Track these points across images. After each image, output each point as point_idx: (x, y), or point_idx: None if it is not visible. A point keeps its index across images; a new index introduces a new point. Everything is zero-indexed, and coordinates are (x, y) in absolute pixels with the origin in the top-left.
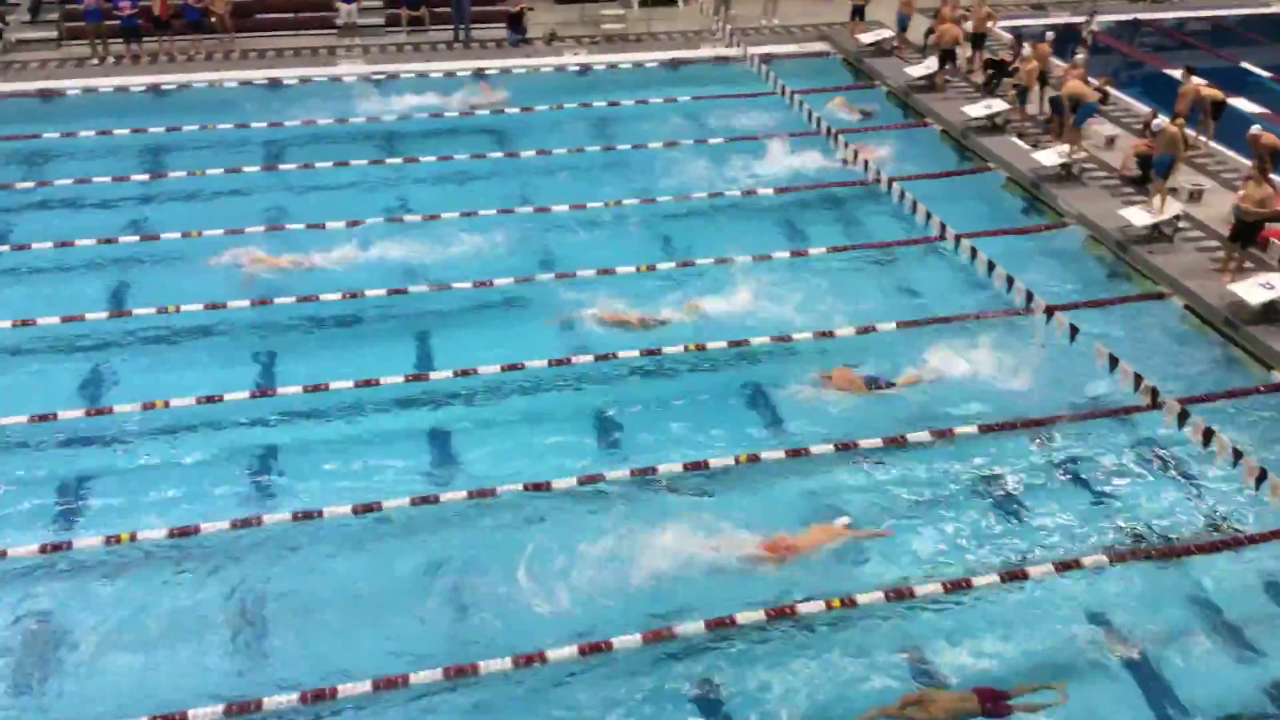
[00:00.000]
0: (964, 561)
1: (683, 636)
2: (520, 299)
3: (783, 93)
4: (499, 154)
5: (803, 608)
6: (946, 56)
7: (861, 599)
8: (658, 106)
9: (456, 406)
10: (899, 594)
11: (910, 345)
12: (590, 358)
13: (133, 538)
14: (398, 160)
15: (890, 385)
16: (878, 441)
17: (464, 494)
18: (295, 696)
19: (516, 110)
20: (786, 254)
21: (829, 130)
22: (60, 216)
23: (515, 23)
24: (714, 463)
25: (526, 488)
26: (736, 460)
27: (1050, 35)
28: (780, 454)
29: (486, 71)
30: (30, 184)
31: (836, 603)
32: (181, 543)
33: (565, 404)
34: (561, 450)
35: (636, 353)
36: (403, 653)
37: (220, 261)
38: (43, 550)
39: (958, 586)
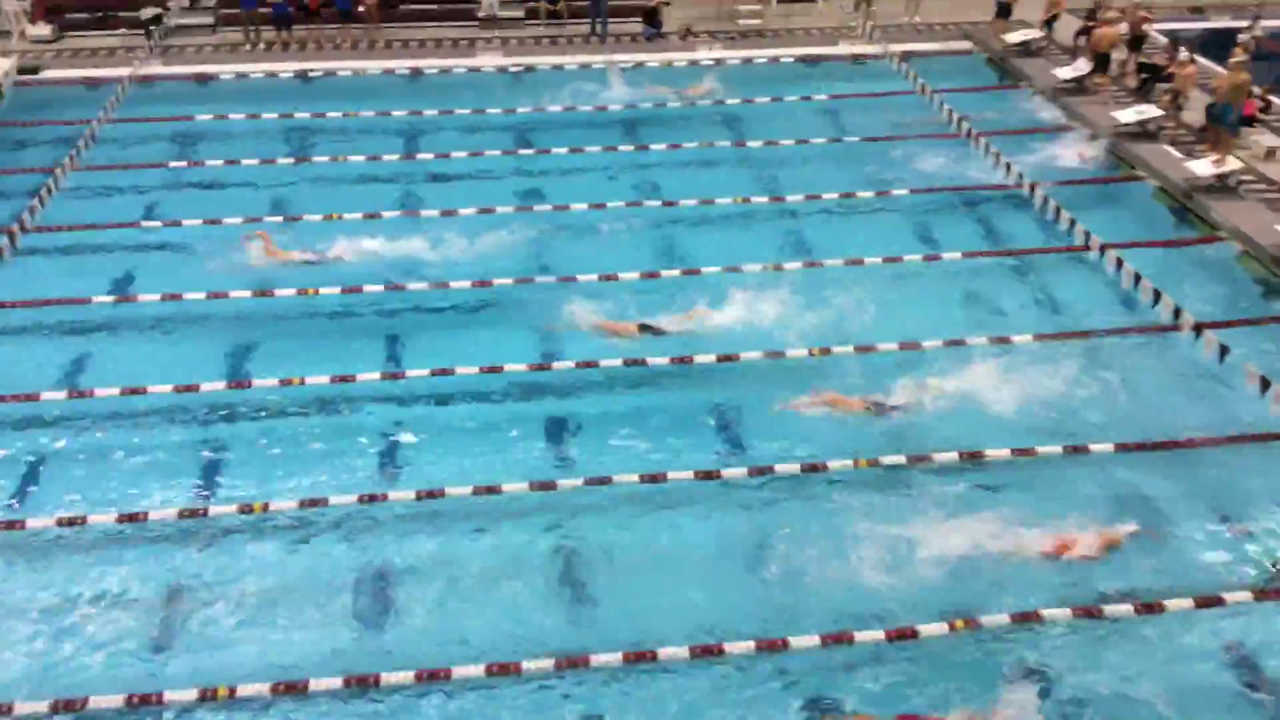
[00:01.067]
0: None
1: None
2: (648, 290)
3: (923, 91)
4: (630, 148)
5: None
6: (1104, 60)
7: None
8: (792, 104)
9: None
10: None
11: (1047, 358)
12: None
13: (265, 508)
14: (530, 151)
15: (893, 408)
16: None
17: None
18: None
19: (650, 105)
20: (919, 257)
21: (970, 131)
22: (209, 195)
23: (651, 17)
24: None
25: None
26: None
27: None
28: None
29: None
30: (183, 163)
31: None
32: (309, 514)
33: None
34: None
35: (759, 354)
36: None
37: (356, 247)
38: (180, 515)
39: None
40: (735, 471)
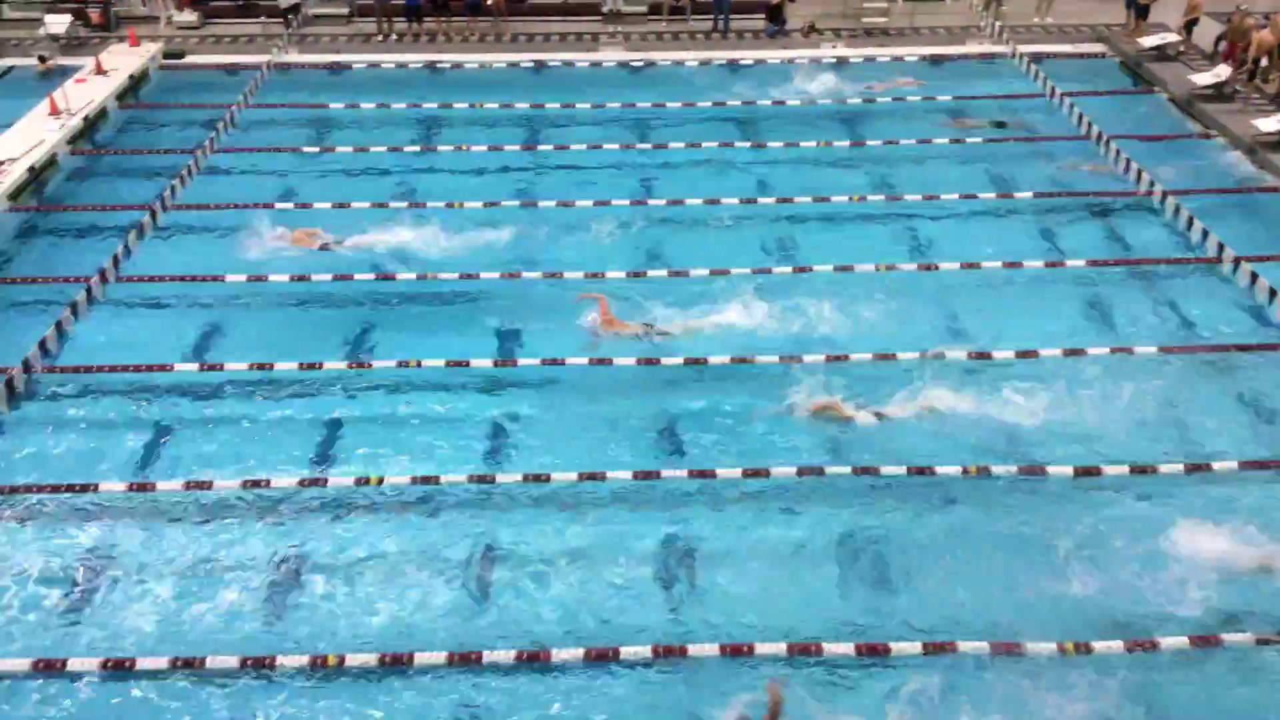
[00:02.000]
0: None
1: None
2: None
3: (1052, 94)
4: (747, 144)
5: None
6: (1254, 66)
7: None
8: (914, 103)
9: None
10: None
11: (1169, 371)
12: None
13: (380, 481)
14: (647, 145)
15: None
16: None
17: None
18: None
19: (768, 102)
20: (1040, 263)
21: (1100, 135)
22: (340, 181)
23: (775, 14)
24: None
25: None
26: None
27: None
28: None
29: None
30: (315, 149)
31: None
32: (427, 489)
33: None
34: None
35: (869, 355)
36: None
37: (477, 235)
38: (300, 484)
39: None
40: (840, 472)
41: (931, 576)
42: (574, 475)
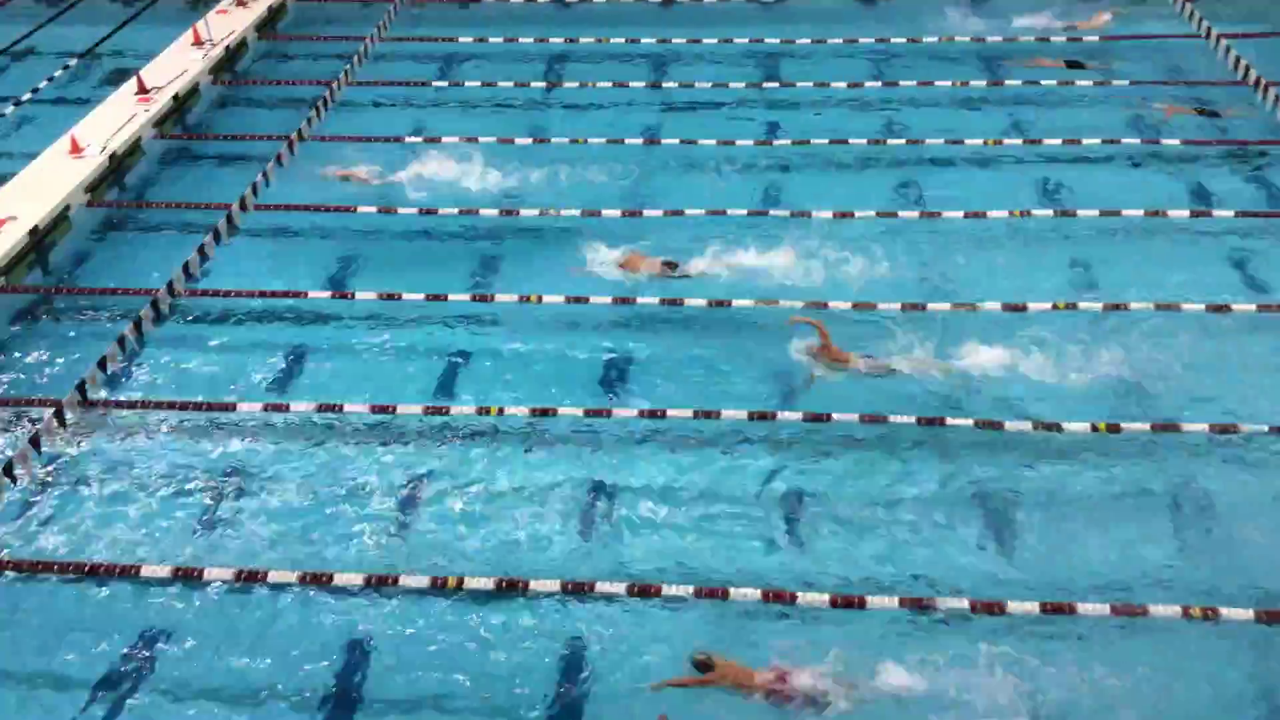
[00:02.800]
0: None
1: None
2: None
3: (1207, 35)
4: (878, 84)
5: None
6: None
7: None
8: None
9: None
10: None
11: None
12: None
13: (500, 411)
14: (774, 84)
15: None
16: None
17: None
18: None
19: (902, 39)
20: (1186, 213)
21: (1259, 82)
22: (466, 115)
23: None
24: None
25: None
26: None
27: None
28: None
29: None
30: (444, 83)
31: None
32: (537, 421)
33: None
34: None
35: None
36: None
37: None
38: (425, 411)
39: None
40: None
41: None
42: (689, 412)
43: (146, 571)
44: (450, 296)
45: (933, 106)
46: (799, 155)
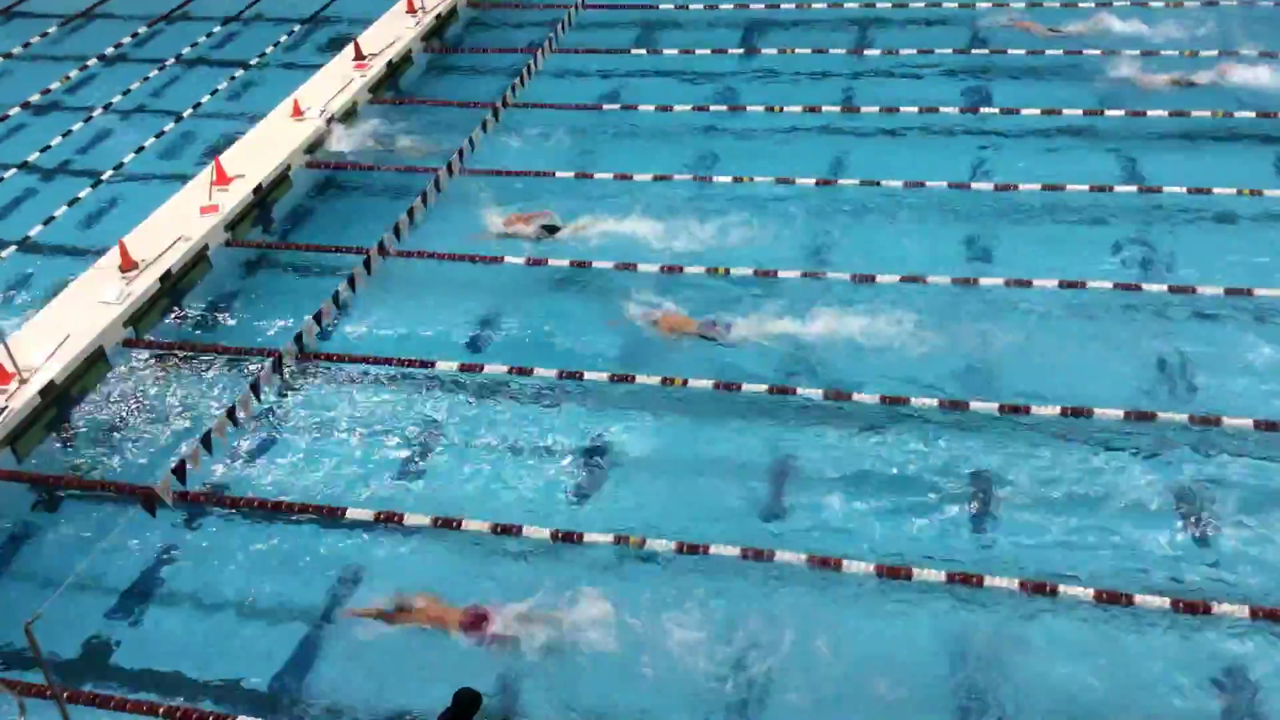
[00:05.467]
0: None
1: None
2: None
3: None
4: (1096, 51)
5: None
6: None
7: None
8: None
9: None
10: None
11: None
12: None
13: (685, 383)
14: (983, 50)
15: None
16: None
17: None
18: None
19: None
20: None
21: None
22: (663, 82)
23: None
24: None
25: None
26: None
27: None
28: None
29: None
30: (643, 50)
31: None
32: (728, 394)
33: None
34: None
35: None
36: None
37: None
38: (610, 379)
39: None
40: None
41: None
42: (876, 398)
43: (352, 514)
44: (640, 267)
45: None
46: (1006, 125)
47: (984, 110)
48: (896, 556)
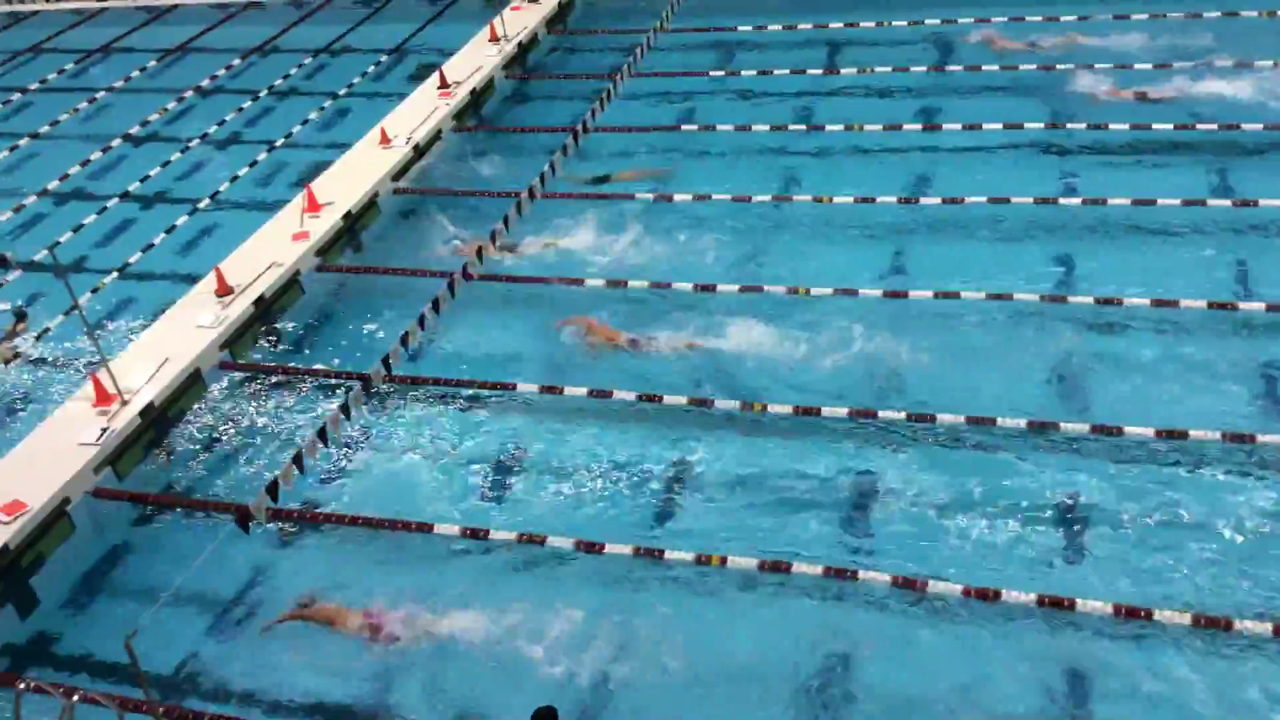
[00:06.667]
0: None
1: None
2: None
3: None
4: (1188, 64)
5: None
6: None
7: None
8: None
9: None
10: None
11: None
12: None
13: (763, 408)
14: (1068, 66)
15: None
16: None
17: None
18: None
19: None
20: None
21: None
22: (741, 104)
23: None
24: None
25: None
26: None
27: None
28: None
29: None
30: (721, 72)
31: None
32: (804, 419)
33: None
34: None
35: None
36: None
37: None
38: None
39: None
40: None
41: None
42: (961, 418)
43: (440, 529)
44: (719, 288)
45: None
46: (1093, 140)
47: (1070, 125)
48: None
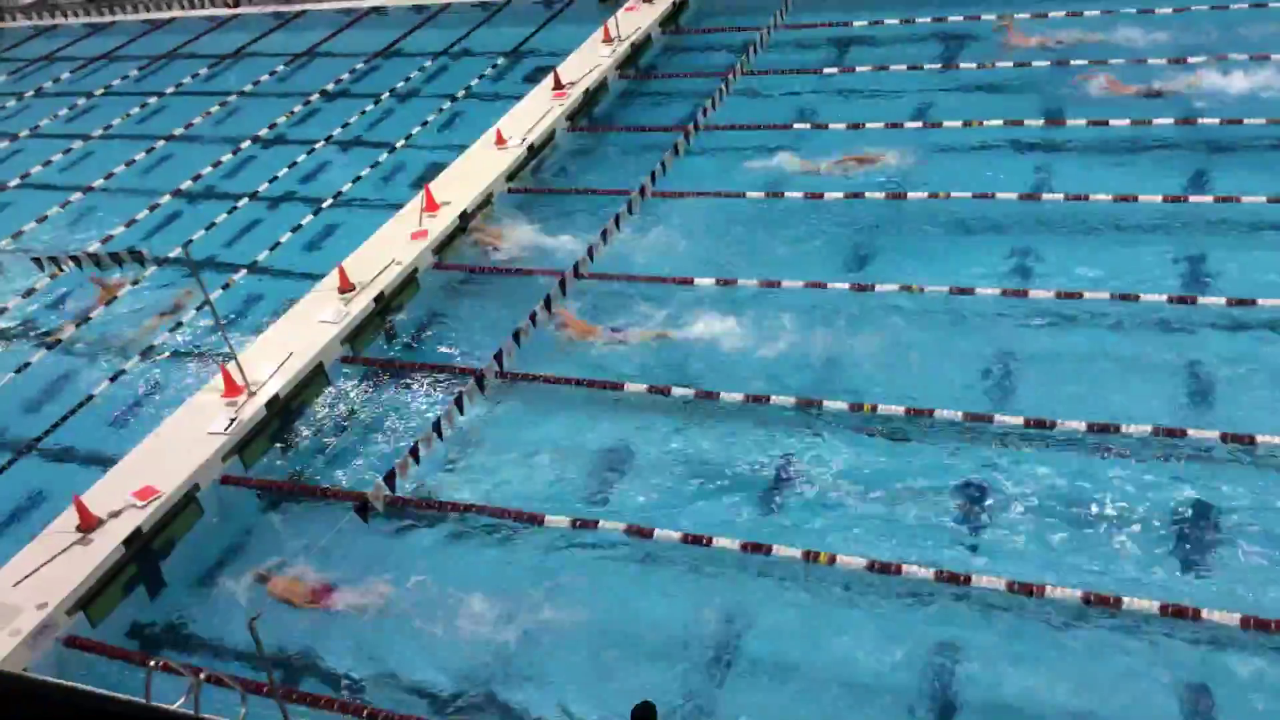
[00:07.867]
0: None
1: None
2: None
3: None
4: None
5: None
6: None
7: None
8: None
9: None
10: None
11: None
12: None
13: (874, 408)
14: (1201, 58)
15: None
16: None
17: None
18: None
19: None
20: None
21: None
22: (853, 101)
23: None
24: None
25: None
26: None
27: None
28: None
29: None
30: (834, 70)
31: None
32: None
33: None
34: None
35: None
36: None
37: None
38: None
39: None
40: None
41: None
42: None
43: (550, 520)
44: (830, 284)
45: None
46: (1223, 136)
47: (1201, 122)
48: None
